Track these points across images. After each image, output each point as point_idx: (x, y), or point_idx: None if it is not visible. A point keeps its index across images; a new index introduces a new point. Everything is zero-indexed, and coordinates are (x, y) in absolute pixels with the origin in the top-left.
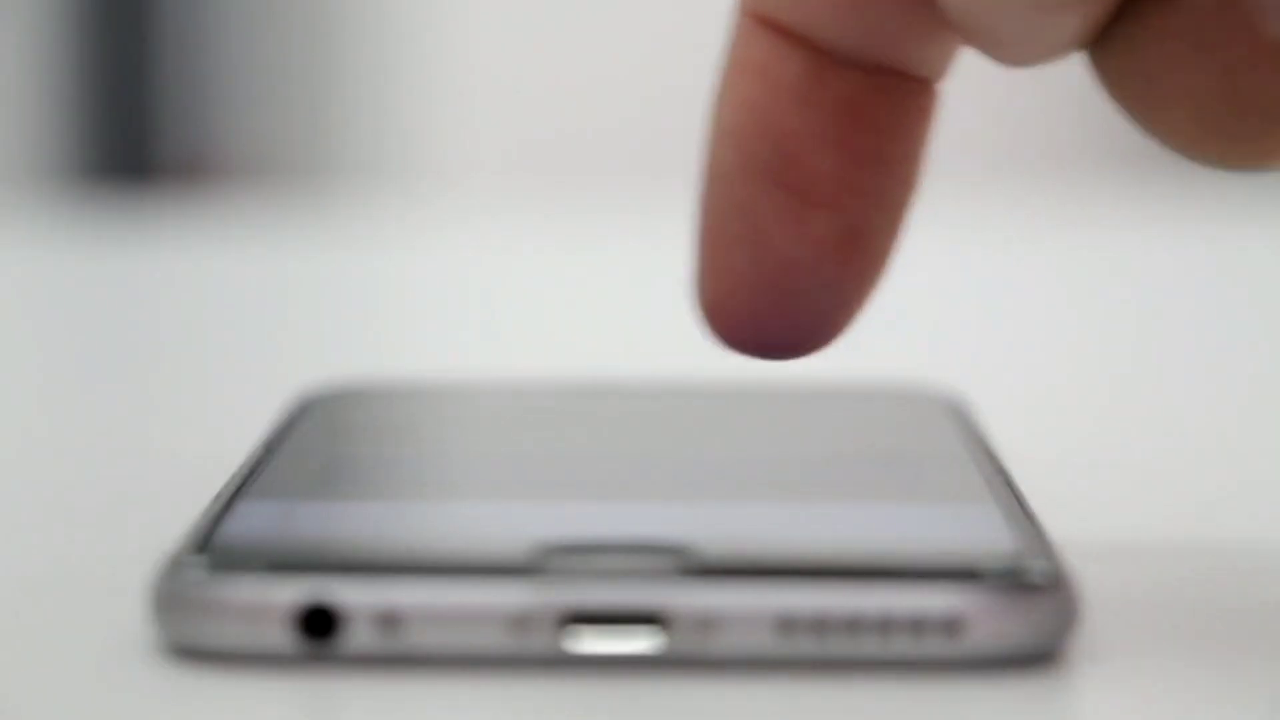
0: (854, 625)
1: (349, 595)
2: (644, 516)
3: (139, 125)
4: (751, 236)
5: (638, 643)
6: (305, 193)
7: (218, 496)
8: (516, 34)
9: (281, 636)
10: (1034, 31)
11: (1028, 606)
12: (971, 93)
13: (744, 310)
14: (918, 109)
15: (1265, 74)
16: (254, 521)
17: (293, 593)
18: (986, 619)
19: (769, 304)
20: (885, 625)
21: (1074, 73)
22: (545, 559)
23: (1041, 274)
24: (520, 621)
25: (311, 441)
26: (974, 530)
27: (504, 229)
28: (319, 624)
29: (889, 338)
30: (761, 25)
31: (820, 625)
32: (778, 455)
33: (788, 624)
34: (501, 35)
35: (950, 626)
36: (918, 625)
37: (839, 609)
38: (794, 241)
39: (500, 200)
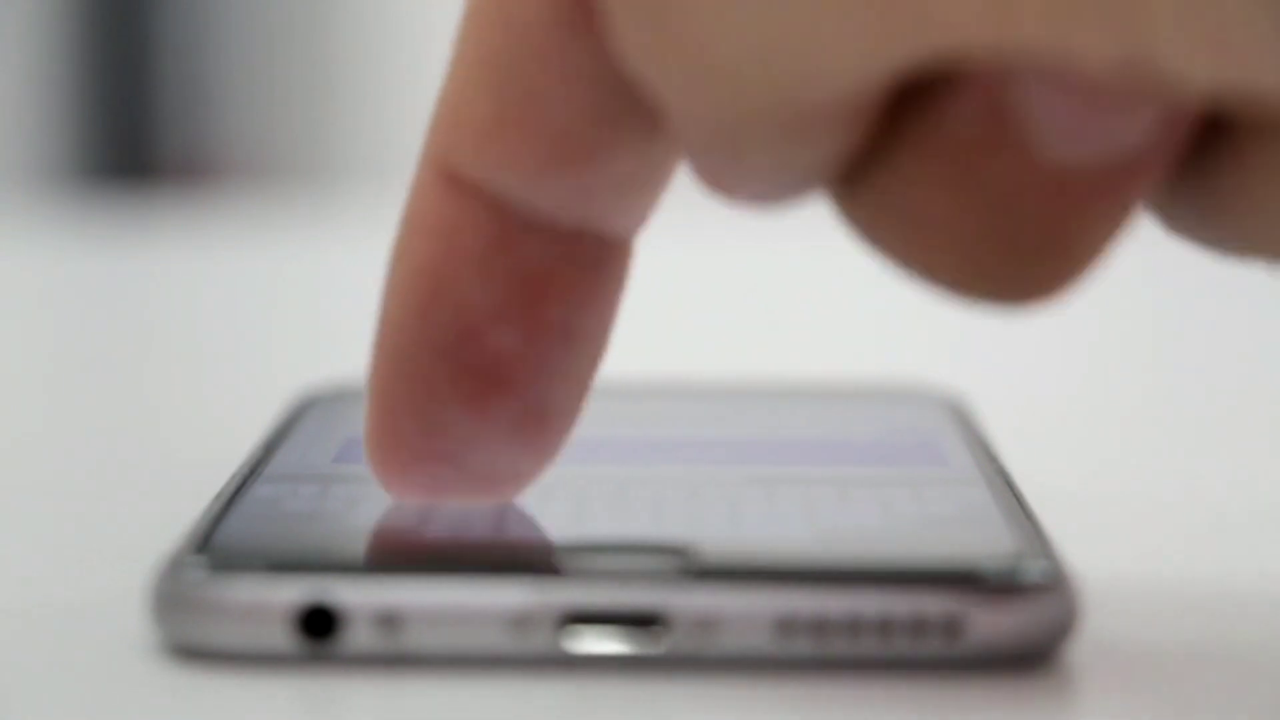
0: (854, 626)
1: (349, 595)
2: (644, 517)
3: (139, 125)
4: (425, 411)
5: (638, 643)
6: (305, 193)
7: (218, 496)
8: None
9: (281, 636)
10: (786, 162)
11: (1028, 606)
12: None
13: (415, 476)
14: (611, 273)
15: (1038, 205)
16: (254, 521)
17: (293, 593)
18: (986, 619)
19: (440, 473)
20: (885, 626)
21: None
22: (545, 559)
23: None
24: (520, 621)
25: (311, 441)
26: (974, 531)
27: None
28: (319, 624)
29: (889, 338)
30: (445, 180)
31: (820, 626)
32: (778, 455)
33: (788, 624)
34: None
35: (950, 627)
36: (917, 626)
37: (839, 610)
38: (471, 420)
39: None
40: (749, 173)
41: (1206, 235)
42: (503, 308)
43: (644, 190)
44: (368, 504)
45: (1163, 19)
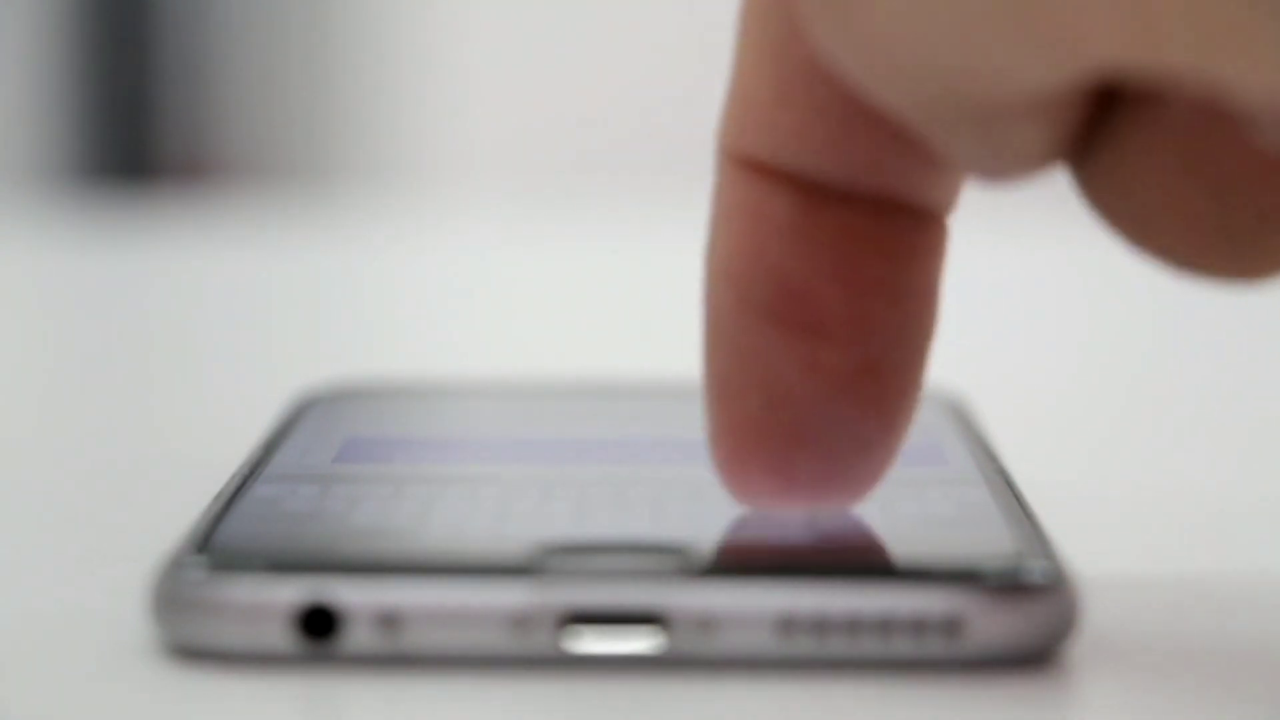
0: (854, 625)
1: (349, 595)
2: (644, 516)
3: (139, 125)
4: (762, 381)
5: (638, 643)
6: (305, 193)
7: (218, 496)
8: (516, 34)
9: (281, 636)
10: (998, 147)
11: (1028, 606)
12: None
13: (762, 460)
14: (925, 242)
15: (1259, 190)
16: (254, 521)
17: (293, 593)
18: (986, 619)
19: (788, 451)
20: (885, 625)
21: None
22: (545, 559)
23: (1042, 273)
24: (520, 621)
25: (311, 441)
26: (974, 531)
27: (503, 229)
28: (319, 624)
29: None
30: (743, 166)
31: (820, 625)
32: None
33: (788, 624)
34: (501, 35)
35: (950, 627)
36: (918, 625)
37: (839, 609)
38: (806, 382)
39: (499, 200)
40: (966, 153)
41: (1107, 215)
42: (821, 268)
43: (935, 165)
44: (368, 504)
45: None
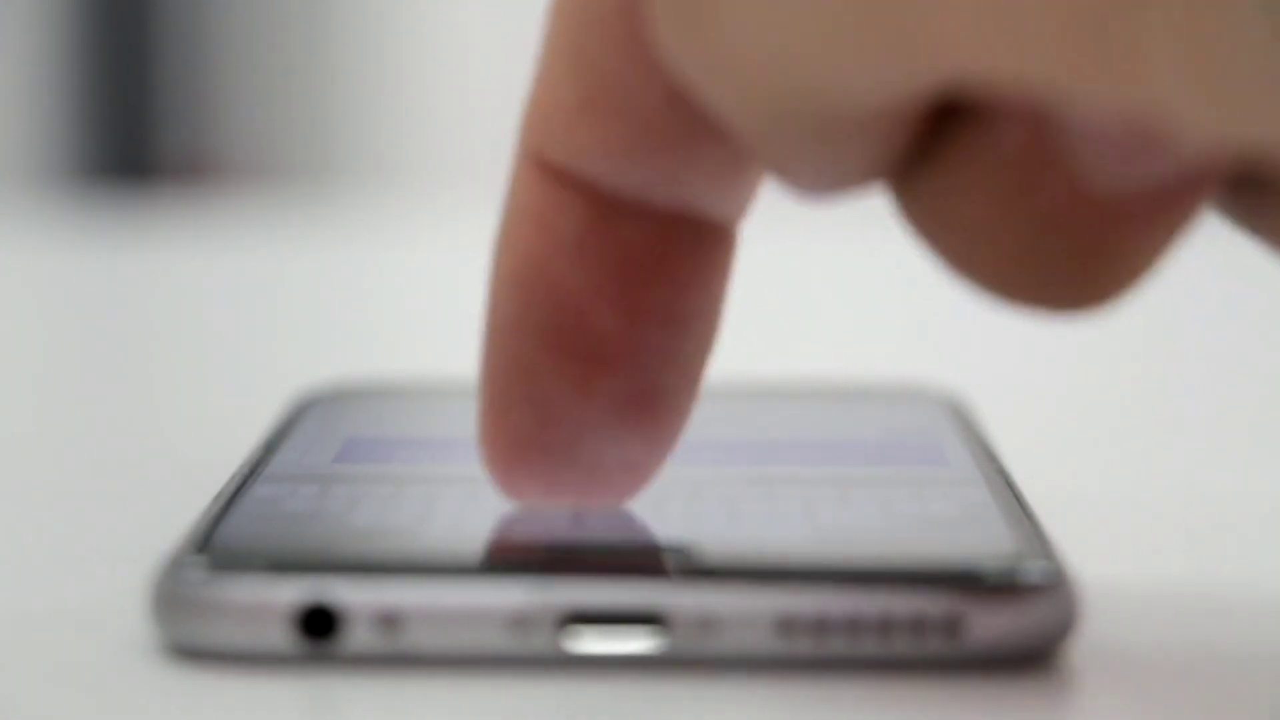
0: (854, 625)
1: (349, 595)
2: (644, 517)
3: (139, 125)
4: (532, 397)
5: (638, 643)
6: (305, 193)
7: (218, 496)
8: (516, 34)
9: (281, 636)
10: (828, 163)
11: (1028, 606)
12: None
13: (528, 469)
14: (713, 258)
15: (1081, 225)
16: (254, 521)
17: (293, 593)
18: (986, 619)
19: (554, 465)
20: (885, 625)
21: None
22: (545, 559)
23: None
24: (520, 621)
25: (311, 441)
26: (974, 530)
27: None
28: (319, 624)
29: (889, 338)
30: (540, 169)
31: (820, 625)
32: (778, 455)
33: (788, 624)
34: (501, 35)
35: (950, 626)
36: (918, 625)
37: (839, 609)
38: (577, 404)
39: (499, 200)
40: (797, 168)
41: (925, 237)
42: (602, 289)
43: (735, 178)
44: (368, 504)
45: (1161, 68)
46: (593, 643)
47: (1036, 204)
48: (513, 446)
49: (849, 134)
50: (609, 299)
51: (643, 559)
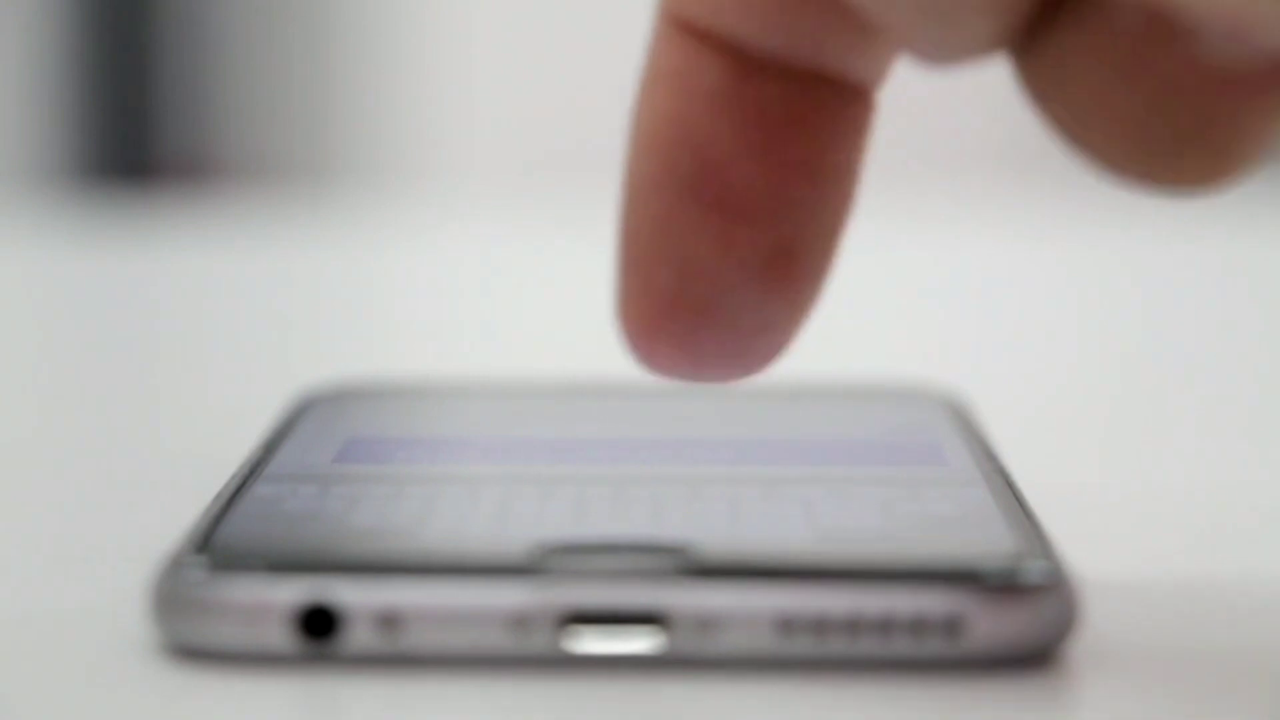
0: (854, 625)
1: (349, 595)
2: (644, 516)
3: (139, 125)
4: (674, 254)
5: (638, 643)
6: (305, 193)
7: (218, 496)
8: (516, 34)
9: (281, 636)
10: (944, 29)
11: (1028, 606)
12: (974, 91)
13: (668, 332)
14: (850, 119)
15: (1197, 98)
16: (254, 521)
17: (293, 593)
18: (986, 619)
19: (695, 326)
20: (885, 625)
21: None
22: (545, 559)
23: (1042, 273)
24: (520, 621)
25: (311, 441)
26: (974, 530)
27: (503, 229)
28: (319, 624)
29: (889, 338)
30: (680, 30)
31: (820, 625)
32: (777, 455)
33: (788, 624)
34: (501, 35)
35: (950, 626)
36: (918, 625)
37: (839, 609)
38: (719, 260)
39: (499, 200)
40: (922, 37)
41: (1044, 109)
42: (743, 144)
43: (874, 38)
44: (368, 504)
45: None
46: (593, 643)
47: (1154, 75)
48: (654, 308)
49: (969, 3)
50: (749, 153)
51: (643, 559)
